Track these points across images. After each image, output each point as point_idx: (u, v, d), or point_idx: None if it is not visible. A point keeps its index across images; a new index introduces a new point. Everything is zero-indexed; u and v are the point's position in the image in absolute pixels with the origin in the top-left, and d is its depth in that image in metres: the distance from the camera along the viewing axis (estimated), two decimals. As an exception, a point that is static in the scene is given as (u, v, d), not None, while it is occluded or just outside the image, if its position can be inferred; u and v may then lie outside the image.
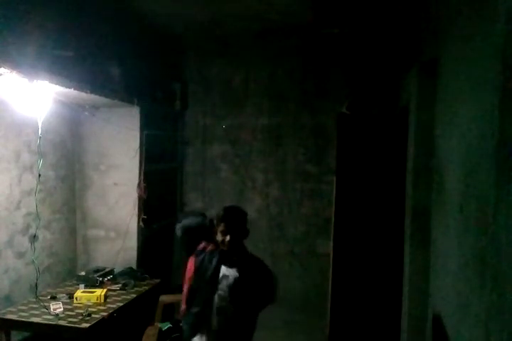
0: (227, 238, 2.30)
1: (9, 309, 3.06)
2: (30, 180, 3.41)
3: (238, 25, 4.20)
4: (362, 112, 3.63)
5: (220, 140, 4.72)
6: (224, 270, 2.36)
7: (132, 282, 3.59)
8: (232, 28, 4.30)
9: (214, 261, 2.39)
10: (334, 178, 3.33)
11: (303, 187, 4.53)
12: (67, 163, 3.98)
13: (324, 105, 4.40)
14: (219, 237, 2.33)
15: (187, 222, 2.80)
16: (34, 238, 3.30)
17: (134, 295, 3.42)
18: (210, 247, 2.47)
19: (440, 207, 2.28)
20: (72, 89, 2.97)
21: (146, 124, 4.05)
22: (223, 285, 2.34)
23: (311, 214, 4.52)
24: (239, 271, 2.35)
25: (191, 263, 2.50)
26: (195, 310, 2.38)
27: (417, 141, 2.59)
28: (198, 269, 2.44)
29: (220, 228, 2.33)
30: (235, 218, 2.38)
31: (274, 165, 4.60)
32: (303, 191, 4.54)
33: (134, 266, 3.94)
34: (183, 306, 2.48)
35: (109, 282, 3.61)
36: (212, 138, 4.74)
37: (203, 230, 2.64)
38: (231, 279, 2.34)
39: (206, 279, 2.37)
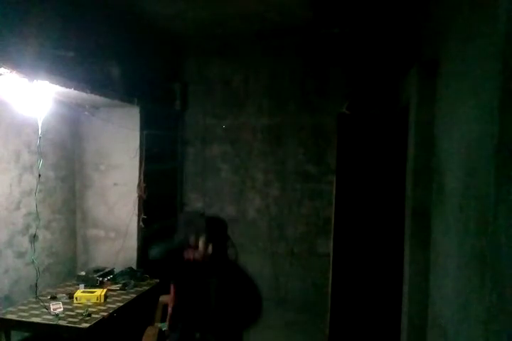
0: (210, 248, 2.37)
1: (9, 309, 3.07)
2: (30, 180, 3.41)
3: (238, 25, 4.20)
4: (362, 112, 3.63)
5: (220, 140, 4.72)
6: (206, 280, 2.42)
7: (132, 282, 3.59)
8: (232, 28, 4.30)
9: (197, 273, 2.44)
10: (334, 178, 3.33)
11: (303, 187, 4.53)
12: (67, 163, 3.98)
13: (324, 105, 4.39)
14: (201, 246, 2.40)
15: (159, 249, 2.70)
16: (34, 238, 3.31)
17: (134, 295, 3.42)
18: (192, 256, 2.52)
19: (440, 207, 2.28)
20: (72, 89, 2.97)
21: (146, 124, 4.05)
22: (208, 295, 2.40)
23: (311, 214, 4.52)
24: (218, 280, 2.40)
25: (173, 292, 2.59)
26: (180, 325, 2.45)
27: (417, 141, 2.59)
28: (181, 286, 2.51)
29: (202, 238, 2.40)
30: (216, 227, 2.46)
31: (274, 165, 4.60)
32: (303, 191, 4.53)
33: (134, 266, 3.94)
34: (168, 323, 2.56)
35: (109, 282, 3.61)
36: (212, 138, 4.74)
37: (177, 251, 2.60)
38: (212, 288, 2.40)
39: (192, 293, 2.43)
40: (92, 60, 3.30)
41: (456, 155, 1.97)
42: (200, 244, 2.40)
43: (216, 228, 2.46)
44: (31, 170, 3.43)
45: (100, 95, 3.31)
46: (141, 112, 3.98)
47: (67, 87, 2.91)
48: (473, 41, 1.76)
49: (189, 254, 2.53)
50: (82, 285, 3.49)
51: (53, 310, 2.99)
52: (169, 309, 2.60)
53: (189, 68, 4.76)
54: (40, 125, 2.85)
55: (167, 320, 2.70)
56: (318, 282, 4.36)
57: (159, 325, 3.39)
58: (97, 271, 3.73)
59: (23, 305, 3.13)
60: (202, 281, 2.42)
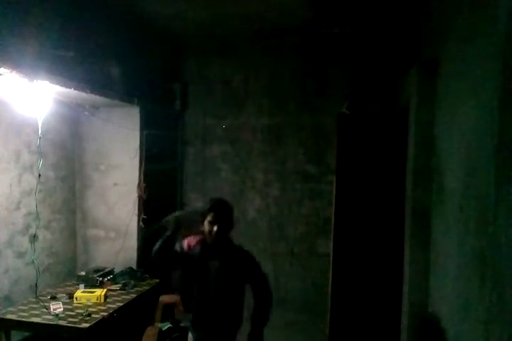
0: (215, 228, 2.33)
1: (9, 309, 3.06)
2: (30, 180, 3.41)
3: (238, 25, 4.20)
4: (362, 112, 3.63)
5: (220, 140, 4.72)
6: (209, 262, 2.43)
7: (132, 282, 3.59)
8: (232, 28, 4.30)
9: (198, 257, 2.43)
10: (334, 178, 3.33)
11: (303, 187, 4.53)
12: (67, 163, 3.98)
13: (324, 105, 4.39)
14: (206, 227, 2.37)
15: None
16: (34, 238, 3.30)
17: (134, 295, 3.42)
18: (194, 242, 2.51)
19: (440, 207, 2.28)
20: (72, 89, 2.97)
21: (146, 124, 4.05)
22: (211, 277, 2.41)
23: (311, 214, 4.52)
24: (220, 261, 2.40)
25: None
26: (191, 311, 2.47)
27: (417, 141, 2.59)
28: (185, 271, 2.52)
29: (209, 218, 2.37)
30: (222, 209, 2.43)
31: (274, 165, 4.60)
32: (303, 191, 4.53)
33: (134, 266, 3.94)
34: (181, 308, 2.58)
35: (109, 282, 3.61)
36: (213, 138, 4.74)
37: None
38: (213, 269, 2.40)
39: (196, 276, 2.43)
40: (92, 60, 3.30)
41: (456, 155, 1.97)
42: (206, 223, 2.38)
43: (223, 211, 2.43)
44: (31, 170, 3.43)
45: (100, 95, 3.31)
46: (141, 112, 3.98)
47: (67, 87, 2.92)
48: (473, 41, 1.76)
49: (188, 242, 2.53)
50: (82, 285, 3.49)
51: (53, 310, 2.99)
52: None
53: (189, 68, 4.76)
54: (40, 125, 2.85)
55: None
56: (318, 282, 4.36)
57: (159, 325, 3.39)
58: (97, 271, 3.73)
59: (23, 305, 3.13)
60: (203, 265, 2.41)
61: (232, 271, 2.40)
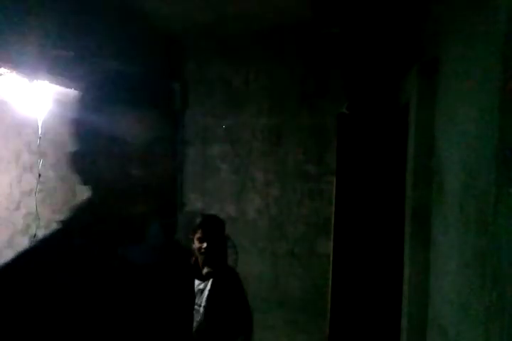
0: (204, 245, 2.25)
1: (9, 309, 3.06)
2: (30, 180, 3.41)
3: (238, 25, 4.20)
4: (362, 112, 3.63)
5: (220, 140, 4.72)
6: (197, 284, 2.29)
7: (132, 282, 3.59)
8: (232, 28, 4.30)
9: (186, 279, 2.36)
10: (334, 178, 3.33)
11: (303, 187, 4.53)
12: (67, 163, 3.98)
13: (324, 105, 4.39)
14: (196, 245, 2.28)
15: None
16: (34, 238, 3.30)
17: (134, 295, 3.42)
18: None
19: (440, 207, 2.28)
20: (72, 89, 2.97)
21: (146, 124, 4.05)
22: (199, 300, 2.27)
23: (311, 214, 4.51)
24: (212, 284, 2.26)
25: None
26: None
27: (417, 141, 2.59)
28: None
29: (197, 235, 2.27)
30: (212, 225, 2.33)
31: (274, 165, 4.60)
32: (303, 191, 4.53)
33: (134, 266, 3.94)
34: None
35: (109, 282, 3.61)
36: (213, 138, 4.74)
37: None
38: (205, 292, 2.26)
39: (182, 299, 2.36)
40: (92, 60, 3.30)
41: (456, 155, 1.97)
42: (195, 240, 2.29)
43: (213, 227, 2.35)
44: (31, 170, 3.43)
45: (100, 95, 3.30)
46: (141, 112, 3.97)
47: (67, 87, 2.91)
48: (474, 41, 1.76)
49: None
50: (82, 285, 3.49)
51: (53, 310, 2.99)
52: None
53: (189, 68, 4.76)
54: (40, 125, 2.85)
55: None
56: (318, 282, 4.36)
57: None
58: (97, 271, 3.73)
59: (23, 305, 3.13)
60: (191, 291, 2.33)
61: (223, 294, 2.26)
